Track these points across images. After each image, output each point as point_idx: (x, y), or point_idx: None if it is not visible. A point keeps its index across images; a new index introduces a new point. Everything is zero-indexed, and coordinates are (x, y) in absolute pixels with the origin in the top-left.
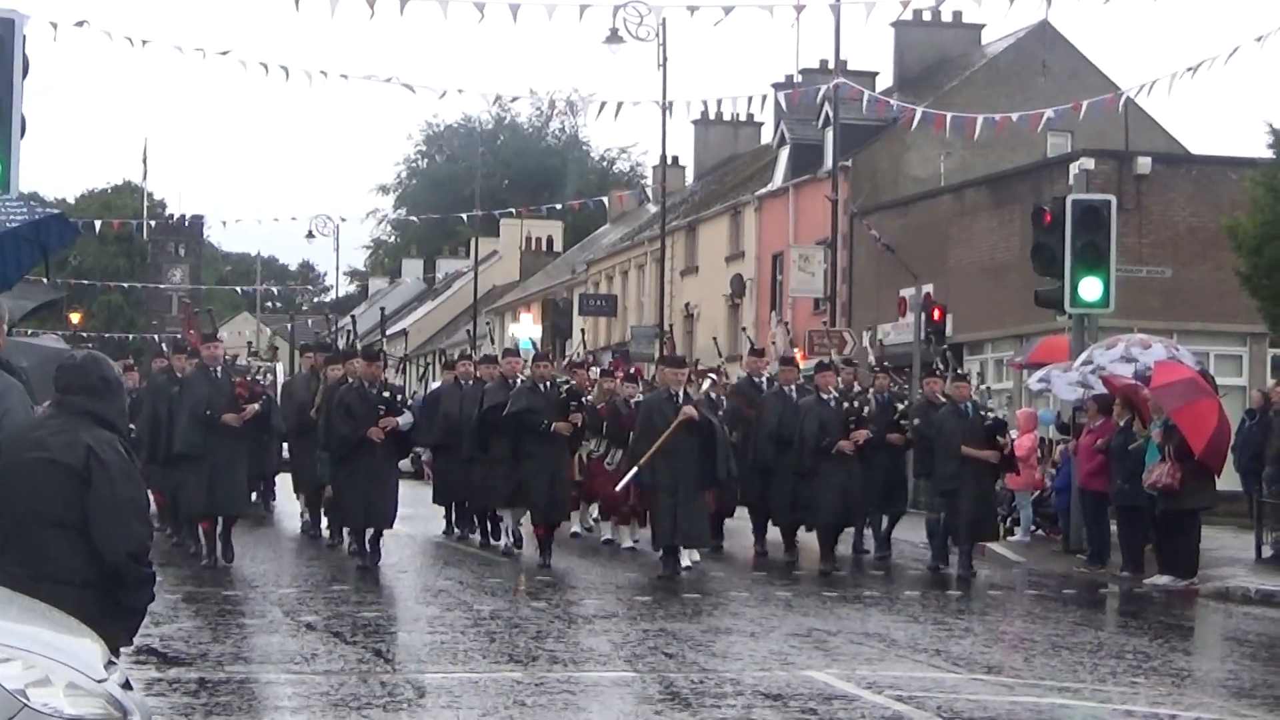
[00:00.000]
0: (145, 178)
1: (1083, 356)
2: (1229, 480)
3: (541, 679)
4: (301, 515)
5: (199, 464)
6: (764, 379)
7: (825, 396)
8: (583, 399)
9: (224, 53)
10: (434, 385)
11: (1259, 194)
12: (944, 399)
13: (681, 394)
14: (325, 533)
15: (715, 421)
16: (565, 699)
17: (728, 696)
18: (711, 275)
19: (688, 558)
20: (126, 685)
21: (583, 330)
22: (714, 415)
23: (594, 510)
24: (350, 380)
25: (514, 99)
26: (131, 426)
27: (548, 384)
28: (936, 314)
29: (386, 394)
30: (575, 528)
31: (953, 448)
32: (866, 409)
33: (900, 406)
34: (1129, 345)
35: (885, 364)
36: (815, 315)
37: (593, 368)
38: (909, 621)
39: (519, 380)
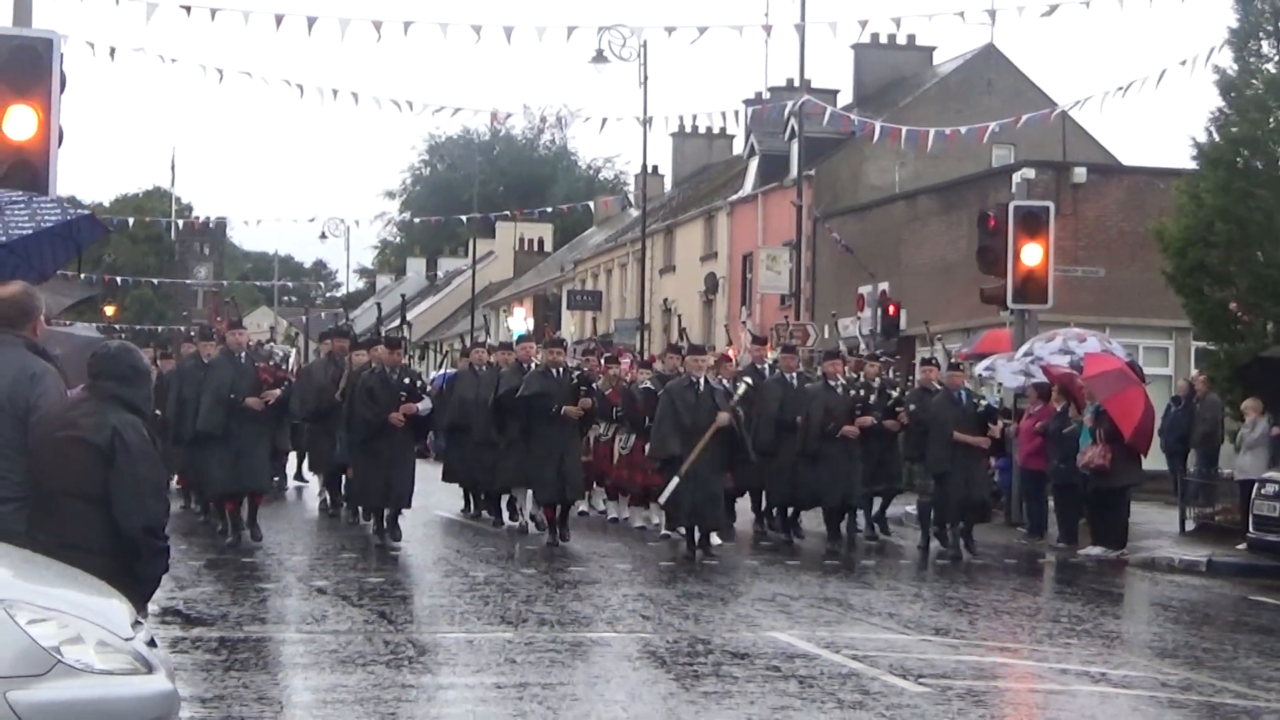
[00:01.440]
0: (173, 183)
1: (1024, 348)
2: (1155, 461)
3: (530, 639)
4: (320, 494)
5: (222, 444)
6: (765, 366)
7: (832, 383)
8: (593, 384)
9: (245, 73)
10: (439, 372)
11: (1184, 201)
12: (939, 386)
13: (704, 382)
14: (344, 511)
15: (739, 413)
16: (551, 657)
17: (699, 655)
18: (687, 273)
19: (715, 538)
20: (151, 643)
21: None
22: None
23: (601, 492)
24: (373, 366)
25: (508, 115)
26: (158, 411)
27: (559, 370)
28: (891, 309)
29: (407, 380)
30: (583, 507)
31: (945, 433)
32: (872, 397)
33: (894, 393)
34: (1066, 338)
35: (880, 352)
36: (781, 310)
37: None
38: (864, 588)
39: (533, 365)
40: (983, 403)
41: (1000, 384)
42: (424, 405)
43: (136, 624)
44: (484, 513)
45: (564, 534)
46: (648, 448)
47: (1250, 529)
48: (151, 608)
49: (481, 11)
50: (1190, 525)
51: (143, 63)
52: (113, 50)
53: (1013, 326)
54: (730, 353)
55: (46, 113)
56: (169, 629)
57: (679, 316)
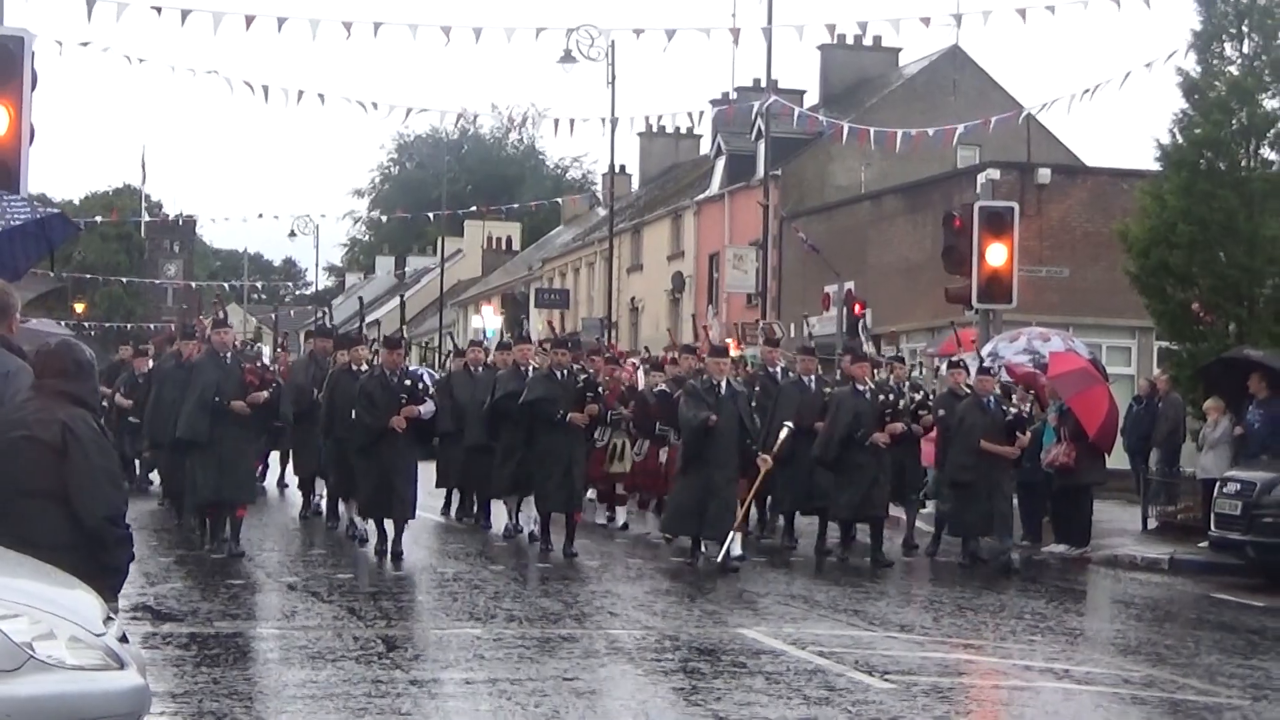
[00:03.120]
0: (144, 181)
1: (988, 347)
2: (1118, 459)
3: (499, 635)
4: (305, 498)
5: (206, 451)
6: (778, 369)
7: (860, 388)
8: (600, 389)
9: (211, 72)
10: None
11: (1147, 203)
12: (967, 390)
13: (725, 384)
14: (324, 514)
15: (749, 424)
16: (519, 653)
17: (666, 651)
18: (655, 272)
19: (736, 547)
20: (123, 639)
21: (549, 321)
22: (746, 415)
23: (591, 493)
24: (357, 367)
25: (475, 116)
26: (133, 419)
27: (564, 372)
28: (857, 308)
29: (408, 382)
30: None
31: (972, 440)
32: (901, 402)
33: (917, 397)
34: (1029, 337)
35: (898, 354)
36: (748, 309)
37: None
38: (830, 584)
39: (531, 367)
40: (1011, 411)
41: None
42: (426, 408)
43: (108, 619)
44: (464, 518)
45: (569, 548)
46: (664, 453)
47: (1212, 527)
48: (121, 604)
49: (450, 12)
50: (1153, 523)
51: (112, 62)
52: (84, 45)
53: (977, 326)
54: (700, 349)
55: (18, 111)
56: (139, 625)
57: (691, 315)
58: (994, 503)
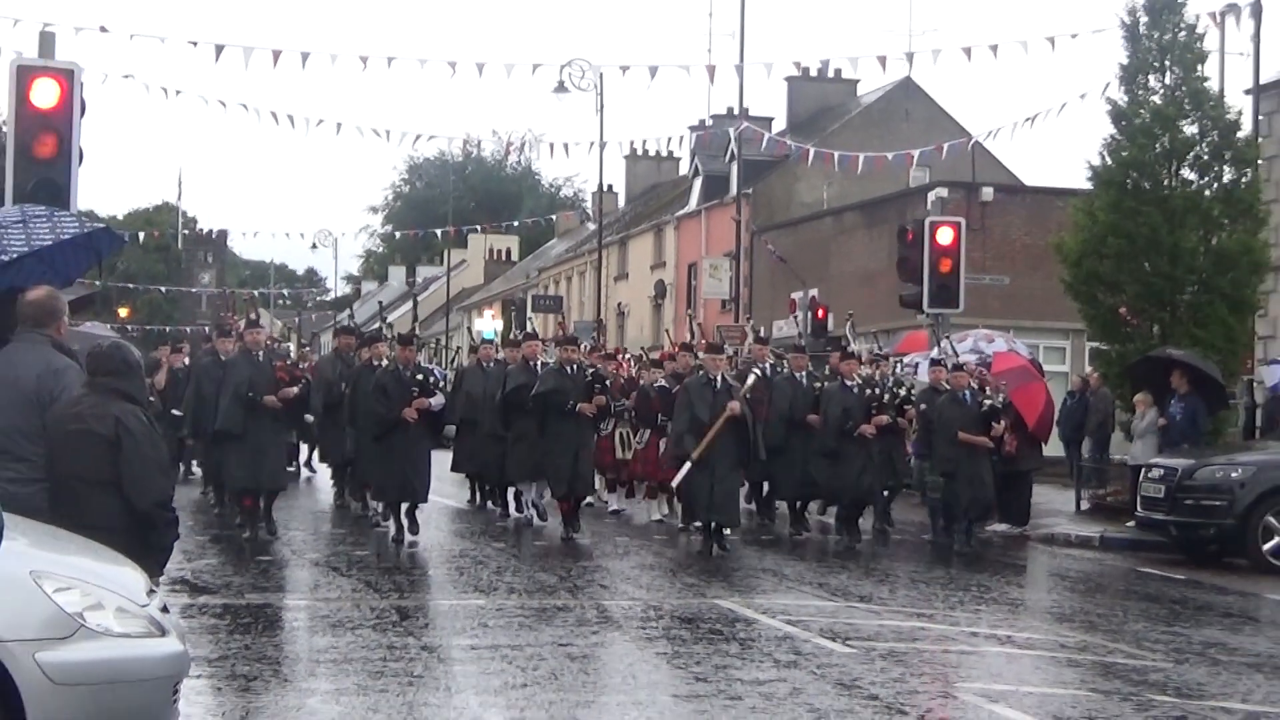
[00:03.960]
0: (180, 198)
1: (939, 346)
2: (1054, 448)
3: (501, 605)
4: (332, 485)
5: (241, 442)
6: (766, 365)
7: (849, 383)
8: (606, 382)
9: (241, 104)
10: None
11: (1080, 218)
12: (946, 386)
13: (720, 379)
14: (354, 503)
15: (749, 411)
16: (519, 621)
17: (651, 620)
18: (639, 280)
19: (727, 532)
20: (164, 609)
21: (559, 322)
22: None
23: (602, 484)
24: (382, 363)
25: (480, 141)
26: (176, 411)
27: (574, 367)
28: (820, 313)
29: (419, 376)
30: (589, 499)
31: (951, 433)
32: (886, 396)
33: (901, 392)
34: (976, 339)
35: (885, 351)
36: (723, 313)
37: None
38: (796, 560)
39: (540, 363)
40: (987, 403)
41: (919, 378)
42: (436, 401)
43: (151, 592)
44: (489, 503)
45: (575, 527)
46: (664, 442)
47: (1138, 509)
48: (161, 577)
49: (456, 48)
50: (1085, 505)
51: (152, 93)
52: (127, 78)
53: (928, 328)
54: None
55: (68, 135)
56: (178, 596)
57: (695, 315)
58: (975, 489)
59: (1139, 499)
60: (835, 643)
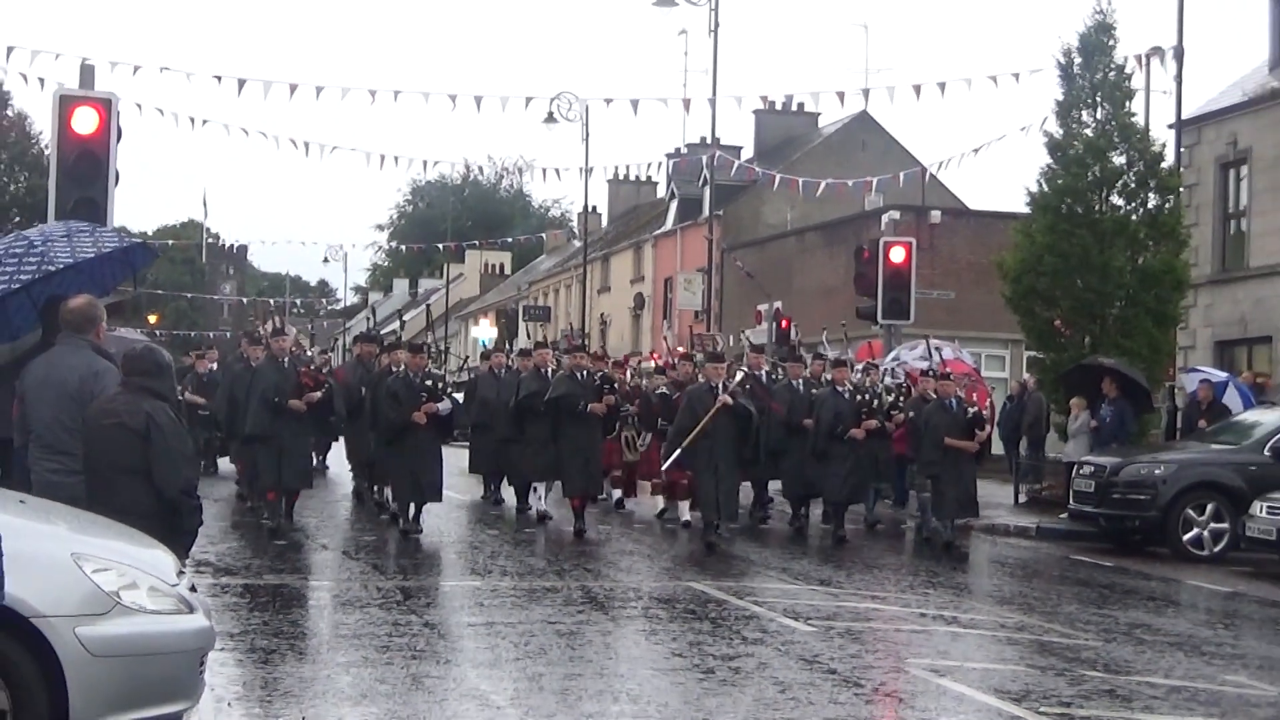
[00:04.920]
0: (205, 216)
1: (892, 354)
2: (995, 446)
3: (495, 586)
4: (352, 479)
5: (269, 443)
6: (763, 372)
7: (840, 389)
8: (615, 385)
9: (261, 133)
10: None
11: (1019, 239)
12: (933, 395)
13: (721, 386)
14: (372, 501)
15: (752, 409)
16: (512, 601)
17: (631, 601)
18: (620, 293)
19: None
20: (192, 588)
21: (569, 329)
22: (751, 404)
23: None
24: (396, 369)
25: (478, 166)
26: (204, 410)
27: (584, 373)
28: (784, 323)
29: (429, 382)
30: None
31: (937, 437)
32: (876, 401)
33: (889, 399)
34: (925, 347)
35: (876, 362)
36: (695, 323)
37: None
38: (762, 547)
39: (550, 370)
40: (971, 410)
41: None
42: (444, 405)
43: (180, 573)
44: (504, 500)
45: (585, 522)
46: (664, 445)
47: (1071, 502)
48: (187, 559)
49: (457, 82)
50: (1023, 498)
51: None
52: (159, 111)
53: (882, 338)
54: (653, 357)
55: (106, 158)
56: (203, 577)
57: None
58: (959, 489)
59: (1072, 493)
60: (798, 622)
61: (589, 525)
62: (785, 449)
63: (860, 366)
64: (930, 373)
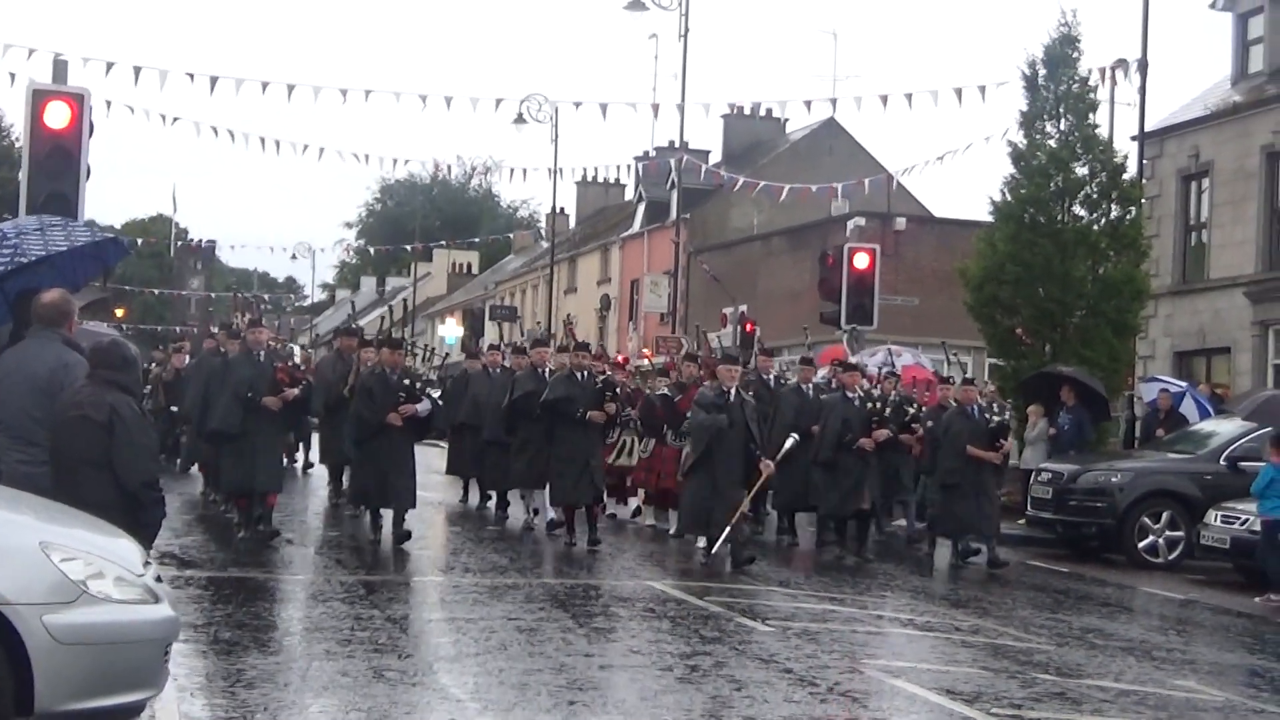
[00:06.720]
0: (174, 211)
1: (854, 359)
2: None
3: (457, 583)
4: (328, 484)
5: (238, 442)
6: (771, 376)
7: (850, 395)
8: (617, 390)
9: (230, 132)
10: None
11: (982, 247)
12: (954, 402)
13: (734, 391)
14: (345, 504)
15: (755, 429)
16: (474, 598)
17: (591, 599)
18: (587, 294)
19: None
20: (158, 579)
21: (569, 327)
22: (753, 421)
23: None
24: (374, 366)
25: (447, 166)
26: (173, 409)
27: (585, 374)
28: (749, 326)
29: (407, 381)
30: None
31: (958, 446)
32: (888, 409)
33: (911, 410)
34: (888, 352)
35: (884, 369)
36: (661, 326)
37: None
38: (721, 549)
39: (548, 369)
40: (994, 419)
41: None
42: (422, 407)
43: (147, 563)
44: (484, 505)
45: (593, 537)
46: (684, 452)
47: (1029, 508)
48: (151, 551)
49: (427, 81)
50: None
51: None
52: (129, 109)
53: (846, 342)
54: (620, 359)
55: (78, 153)
56: (167, 569)
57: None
58: (980, 502)
59: (1029, 499)
60: (755, 622)
61: (576, 539)
62: (790, 457)
63: (883, 373)
64: (950, 379)
